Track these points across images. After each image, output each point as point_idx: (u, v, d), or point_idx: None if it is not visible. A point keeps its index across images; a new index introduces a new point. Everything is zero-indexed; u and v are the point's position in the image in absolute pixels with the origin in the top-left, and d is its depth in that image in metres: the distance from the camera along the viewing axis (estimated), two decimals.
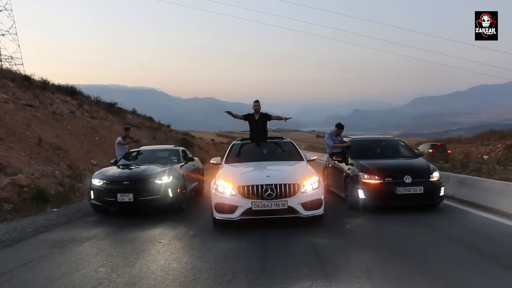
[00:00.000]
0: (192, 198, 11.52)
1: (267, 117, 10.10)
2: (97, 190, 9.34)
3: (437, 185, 8.98)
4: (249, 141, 10.03)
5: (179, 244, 6.90)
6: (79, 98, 29.99)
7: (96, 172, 10.05)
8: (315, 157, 9.73)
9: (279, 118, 10.54)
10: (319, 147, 60.02)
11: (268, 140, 10.06)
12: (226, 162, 9.02)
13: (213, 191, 7.63)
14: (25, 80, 24.34)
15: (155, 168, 9.73)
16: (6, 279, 5.35)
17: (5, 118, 16.17)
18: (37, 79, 26.60)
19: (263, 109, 10.26)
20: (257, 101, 10.04)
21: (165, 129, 45.95)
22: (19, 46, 54.84)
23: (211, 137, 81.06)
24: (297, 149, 9.55)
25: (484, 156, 28.55)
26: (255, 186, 7.13)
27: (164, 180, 9.26)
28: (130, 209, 9.50)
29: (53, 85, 28.01)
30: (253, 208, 7.08)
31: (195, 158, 13.20)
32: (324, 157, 14.94)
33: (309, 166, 8.42)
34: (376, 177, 8.85)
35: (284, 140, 10.22)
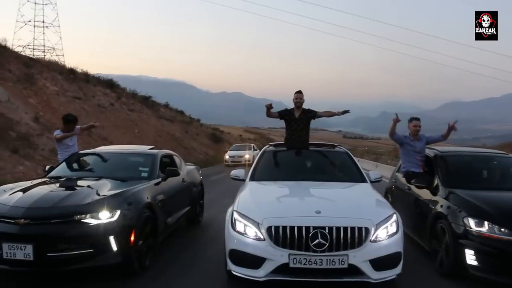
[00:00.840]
0: (180, 232, 7.45)
1: (311, 114, 7.22)
2: None
3: None
4: (285, 148, 7.22)
5: None
6: (117, 90, 31.80)
7: None
8: (381, 176, 6.57)
9: (330, 114, 7.70)
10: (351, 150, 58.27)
11: (311, 148, 7.22)
12: (253, 178, 6.20)
13: (228, 227, 4.83)
14: (71, 73, 26.16)
15: (93, 191, 5.32)
16: None
17: (59, 110, 17.77)
18: (79, 71, 28.43)
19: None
20: (299, 92, 7.20)
21: (196, 124, 47.51)
22: (60, 38, 57.23)
23: (238, 133, 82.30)
24: (355, 164, 6.66)
25: None
26: (296, 228, 4.38)
27: (103, 219, 4.79)
28: (30, 273, 5.04)
29: (93, 77, 29.83)
30: (292, 265, 4.32)
31: (190, 167, 8.81)
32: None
33: (378, 193, 5.71)
34: (504, 229, 4.71)
35: (337, 149, 7.28)
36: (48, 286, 4.85)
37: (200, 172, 9.28)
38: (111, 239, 4.77)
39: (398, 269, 4.61)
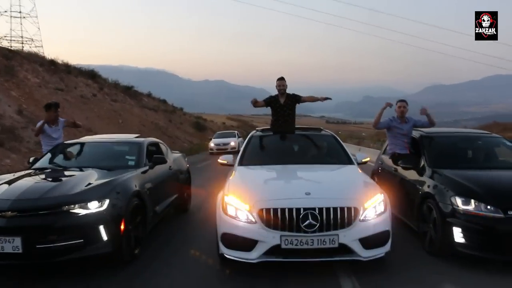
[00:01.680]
0: (168, 219, 7.35)
1: (296, 99, 7.27)
2: None
3: None
4: (272, 133, 7.21)
5: None
6: (99, 81, 31.49)
7: None
8: (368, 158, 6.67)
9: (313, 99, 7.51)
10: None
11: (298, 132, 7.24)
12: (242, 163, 6.23)
13: (219, 211, 4.87)
14: (52, 64, 25.80)
15: (81, 181, 5.22)
16: None
17: (42, 102, 17.53)
18: (60, 62, 28.05)
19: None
20: (281, 79, 7.25)
21: (179, 112, 47.33)
22: (39, 28, 56.19)
23: (221, 120, 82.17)
24: (342, 146, 6.70)
25: None
26: (287, 210, 4.44)
27: (92, 208, 4.73)
28: (20, 266, 4.89)
29: (75, 68, 29.48)
30: (283, 246, 4.40)
31: (176, 154, 8.75)
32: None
33: (365, 175, 5.86)
34: (490, 206, 4.83)
35: (323, 132, 7.29)
36: (38, 277, 4.77)
37: (186, 159, 9.22)
38: (101, 228, 4.72)
39: (387, 247, 4.71)
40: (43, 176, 5.76)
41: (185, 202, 8.22)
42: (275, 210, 4.45)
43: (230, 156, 6.54)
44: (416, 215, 5.90)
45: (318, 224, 4.38)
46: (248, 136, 7.14)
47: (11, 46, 38.37)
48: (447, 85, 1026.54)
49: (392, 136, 7.18)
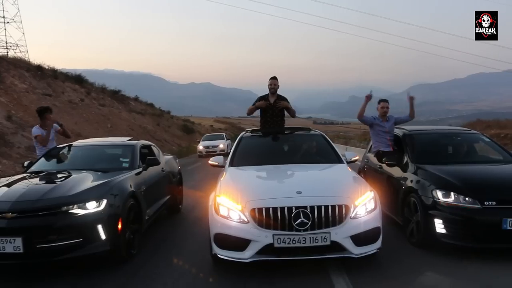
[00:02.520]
0: (161, 220, 7.48)
1: (285, 101, 7.55)
2: None
3: None
4: (262, 134, 7.41)
5: None
6: (86, 86, 31.47)
7: None
8: (357, 157, 6.80)
9: (291, 112, 7.89)
10: None
11: (287, 132, 7.43)
12: (232, 164, 6.29)
13: (212, 212, 4.94)
14: (38, 70, 25.77)
15: (78, 183, 5.39)
16: None
17: (31, 108, 17.60)
18: (46, 67, 27.98)
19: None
20: (274, 78, 7.40)
21: (167, 116, 47.35)
22: (23, 33, 55.78)
23: (209, 123, 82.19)
24: (331, 146, 6.73)
25: None
26: (279, 209, 4.52)
27: (90, 209, 4.91)
28: (21, 266, 4.97)
29: (61, 73, 29.42)
30: (276, 245, 4.47)
31: (168, 157, 8.93)
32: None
33: (355, 173, 5.99)
34: (468, 198, 5.15)
35: (312, 132, 7.31)
36: (37, 276, 4.89)
37: (177, 161, 9.37)
38: (99, 228, 4.86)
39: (378, 244, 4.78)
40: (40, 178, 5.88)
41: (178, 203, 8.36)
42: (267, 209, 4.51)
43: (221, 158, 6.59)
44: (401, 209, 6.12)
45: (310, 223, 4.43)
46: (238, 137, 7.15)
47: None
48: (432, 83, 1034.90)
49: (375, 134, 7.46)
